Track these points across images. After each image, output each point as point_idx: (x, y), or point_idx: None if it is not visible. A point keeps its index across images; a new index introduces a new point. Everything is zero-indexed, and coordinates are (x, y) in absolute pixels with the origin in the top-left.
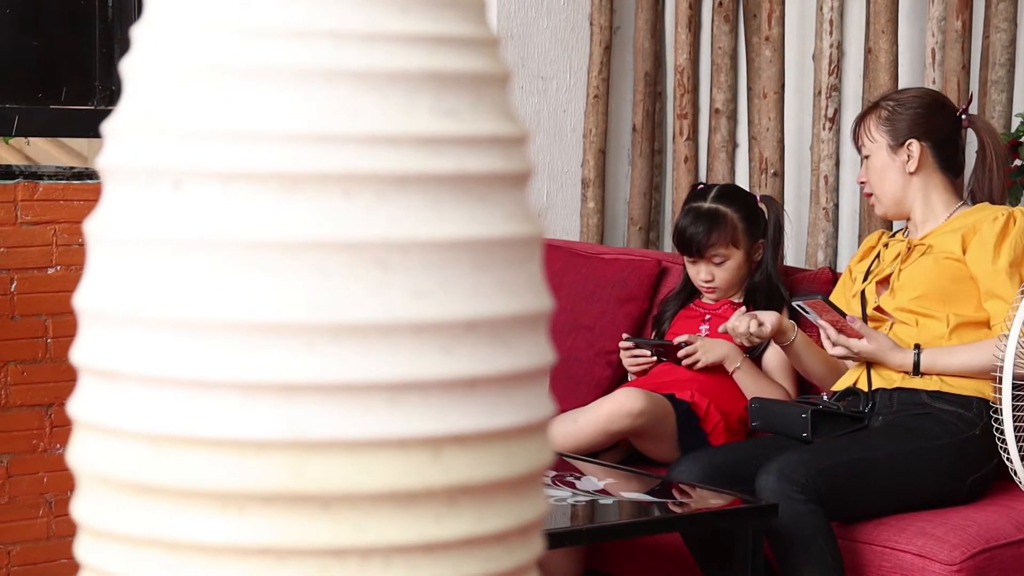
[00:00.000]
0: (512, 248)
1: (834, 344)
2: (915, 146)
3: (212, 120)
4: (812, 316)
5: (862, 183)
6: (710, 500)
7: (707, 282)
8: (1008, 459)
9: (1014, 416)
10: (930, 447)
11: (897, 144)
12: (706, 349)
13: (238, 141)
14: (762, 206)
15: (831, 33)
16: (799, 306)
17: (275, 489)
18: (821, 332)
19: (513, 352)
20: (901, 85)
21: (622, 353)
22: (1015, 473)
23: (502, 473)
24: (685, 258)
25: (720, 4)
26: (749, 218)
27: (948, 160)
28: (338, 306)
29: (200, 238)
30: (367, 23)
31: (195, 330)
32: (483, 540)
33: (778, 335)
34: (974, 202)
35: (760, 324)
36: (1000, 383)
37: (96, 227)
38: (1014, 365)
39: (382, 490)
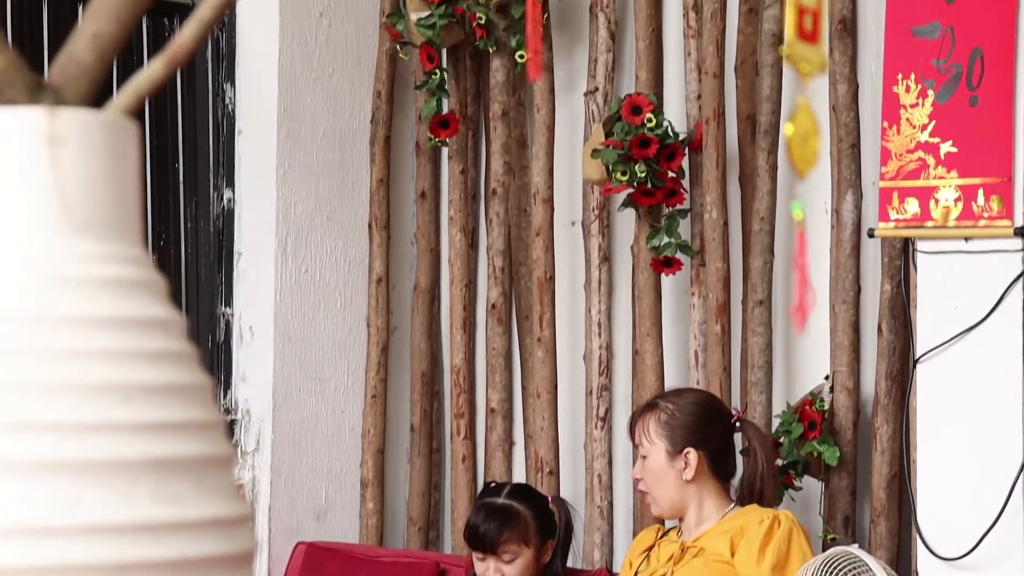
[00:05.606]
0: None
1: None
2: (692, 455)
3: None
4: None
5: (637, 479)
6: None
7: None
8: None
9: None
10: None
11: (675, 451)
12: None
13: None
14: (553, 507)
15: (599, 335)
16: None
17: None
18: None
19: None
20: (668, 385)
21: None
22: None
23: None
24: (475, 555)
25: (493, 306)
26: (541, 518)
27: (721, 466)
28: None
29: None
30: (90, 414)
31: None
32: None
33: None
34: (743, 504)
35: None
36: None
37: None
38: None
39: None
